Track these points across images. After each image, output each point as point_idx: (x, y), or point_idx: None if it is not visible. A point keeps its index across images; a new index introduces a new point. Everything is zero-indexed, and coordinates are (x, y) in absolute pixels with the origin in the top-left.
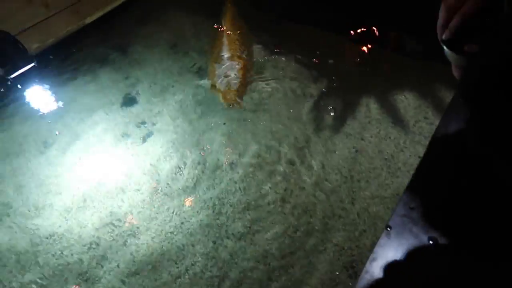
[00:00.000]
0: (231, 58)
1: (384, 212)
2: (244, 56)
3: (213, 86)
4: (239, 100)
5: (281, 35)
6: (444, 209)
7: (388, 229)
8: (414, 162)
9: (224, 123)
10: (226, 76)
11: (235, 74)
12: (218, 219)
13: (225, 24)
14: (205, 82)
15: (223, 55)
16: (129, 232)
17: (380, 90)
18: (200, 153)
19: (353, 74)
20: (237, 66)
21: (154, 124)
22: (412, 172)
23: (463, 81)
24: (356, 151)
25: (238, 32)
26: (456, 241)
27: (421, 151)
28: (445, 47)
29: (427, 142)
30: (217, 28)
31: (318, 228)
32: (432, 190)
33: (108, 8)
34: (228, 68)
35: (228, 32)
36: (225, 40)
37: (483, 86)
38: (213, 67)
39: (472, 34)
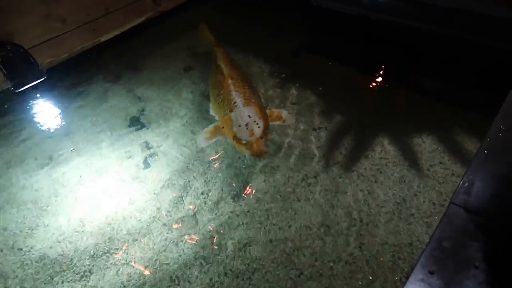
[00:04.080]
0: (246, 103)
1: (394, 263)
2: (256, 98)
3: (235, 137)
4: (265, 149)
5: (296, 67)
6: (468, 278)
7: None
8: (428, 208)
9: (233, 155)
10: (247, 125)
11: (257, 121)
12: (217, 254)
13: (223, 67)
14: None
15: (236, 102)
16: (123, 261)
17: (397, 130)
18: (204, 182)
19: (370, 112)
20: (255, 112)
21: (159, 148)
22: (425, 219)
23: None
24: (368, 192)
25: (240, 72)
26: None
27: (435, 197)
28: None
29: (441, 188)
30: (215, 72)
31: (323, 273)
32: (454, 254)
33: (125, 28)
34: (247, 115)
35: (231, 76)
36: (231, 86)
37: None
38: (228, 116)
39: None
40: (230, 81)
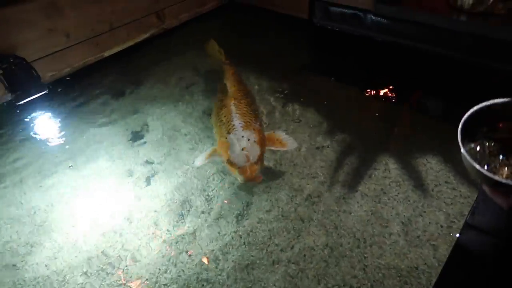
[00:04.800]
0: (245, 127)
1: (401, 287)
2: (257, 123)
3: (229, 161)
4: (259, 175)
5: (298, 85)
6: None
7: None
8: (434, 230)
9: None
10: (243, 149)
11: (253, 146)
12: (218, 274)
13: (229, 87)
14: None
15: (235, 125)
16: (120, 281)
17: (401, 149)
18: (205, 200)
19: (373, 131)
20: (253, 136)
21: (160, 165)
22: (432, 242)
23: None
24: (372, 213)
25: (245, 94)
26: None
27: (442, 218)
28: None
29: (448, 209)
30: (220, 90)
31: None
32: (471, 278)
33: (129, 44)
34: (245, 139)
35: (235, 96)
36: (233, 107)
37: None
38: (225, 138)
39: None
40: (232, 102)
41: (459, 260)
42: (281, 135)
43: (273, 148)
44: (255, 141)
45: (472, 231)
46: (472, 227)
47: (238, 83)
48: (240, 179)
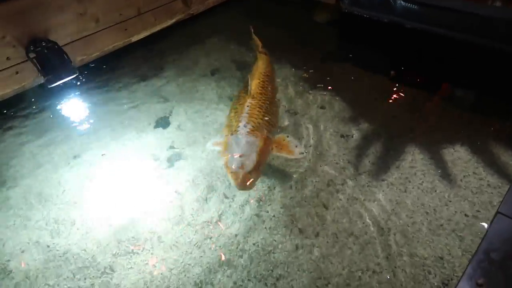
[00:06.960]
0: (250, 132)
1: (425, 277)
2: (266, 130)
3: (226, 163)
4: (250, 185)
5: (325, 73)
6: None
7: None
8: (459, 220)
9: None
10: (240, 155)
11: (252, 154)
12: (241, 257)
13: (254, 80)
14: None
15: (239, 127)
16: (146, 261)
17: (428, 140)
18: (229, 185)
19: (399, 119)
20: (256, 144)
21: (184, 149)
22: (457, 232)
23: None
24: (397, 202)
25: (265, 93)
26: None
27: (467, 207)
28: None
29: (474, 198)
30: (246, 82)
31: (350, 283)
32: (504, 266)
33: (156, 29)
34: (245, 145)
35: (254, 95)
36: (246, 108)
37: None
38: (227, 139)
39: None
40: (249, 100)
41: (490, 248)
42: (290, 141)
43: (279, 154)
44: (255, 150)
45: (505, 220)
46: (505, 216)
47: (265, 77)
48: (232, 183)
